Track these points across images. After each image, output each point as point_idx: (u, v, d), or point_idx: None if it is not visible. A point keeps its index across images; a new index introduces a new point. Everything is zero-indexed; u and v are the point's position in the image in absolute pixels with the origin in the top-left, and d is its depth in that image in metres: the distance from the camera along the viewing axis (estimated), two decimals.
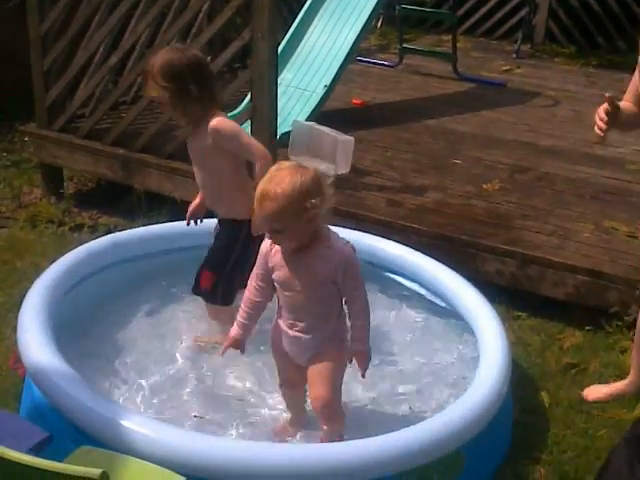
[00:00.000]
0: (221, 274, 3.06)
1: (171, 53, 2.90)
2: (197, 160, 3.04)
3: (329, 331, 2.51)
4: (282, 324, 2.53)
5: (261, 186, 2.33)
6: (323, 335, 2.50)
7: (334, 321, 2.52)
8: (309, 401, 2.64)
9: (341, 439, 2.53)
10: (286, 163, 2.42)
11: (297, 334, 2.51)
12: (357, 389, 2.86)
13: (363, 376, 2.49)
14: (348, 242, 2.46)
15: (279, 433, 2.69)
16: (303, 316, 2.48)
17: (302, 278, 2.44)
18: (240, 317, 2.57)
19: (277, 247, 2.46)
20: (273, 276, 2.50)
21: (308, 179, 2.31)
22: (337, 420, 2.58)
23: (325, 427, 2.56)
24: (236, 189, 3.00)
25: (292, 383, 2.67)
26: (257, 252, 2.56)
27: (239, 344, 2.57)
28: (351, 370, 2.56)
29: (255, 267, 2.56)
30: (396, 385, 2.97)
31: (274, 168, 2.38)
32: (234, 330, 2.57)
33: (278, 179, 2.30)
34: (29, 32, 4.56)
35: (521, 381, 3.16)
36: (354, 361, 2.50)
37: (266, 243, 2.51)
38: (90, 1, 4.54)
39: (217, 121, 2.89)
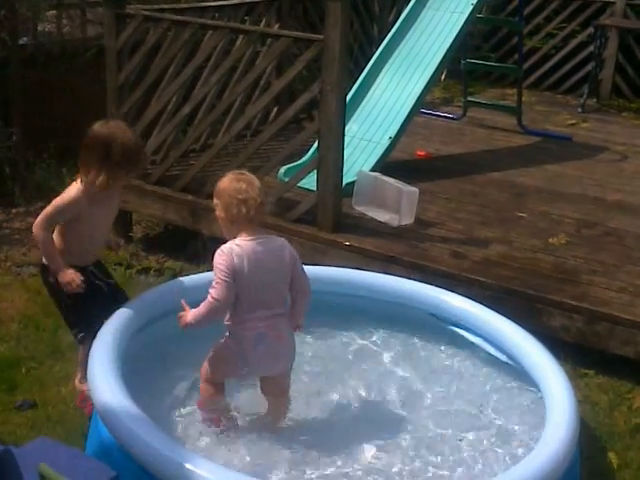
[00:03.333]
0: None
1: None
2: None
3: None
4: None
5: None
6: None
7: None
8: None
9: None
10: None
11: None
12: (408, 441, 2.85)
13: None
14: (230, 245, 2.72)
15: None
16: None
17: None
18: None
19: None
20: None
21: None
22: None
23: None
24: None
25: None
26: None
27: None
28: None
29: None
30: (455, 442, 2.92)
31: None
32: None
33: None
34: (107, 81, 4.75)
35: (589, 441, 3.08)
36: None
37: None
38: (165, 53, 4.72)
39: None
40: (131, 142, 2.96)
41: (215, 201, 2.79)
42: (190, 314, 2.76)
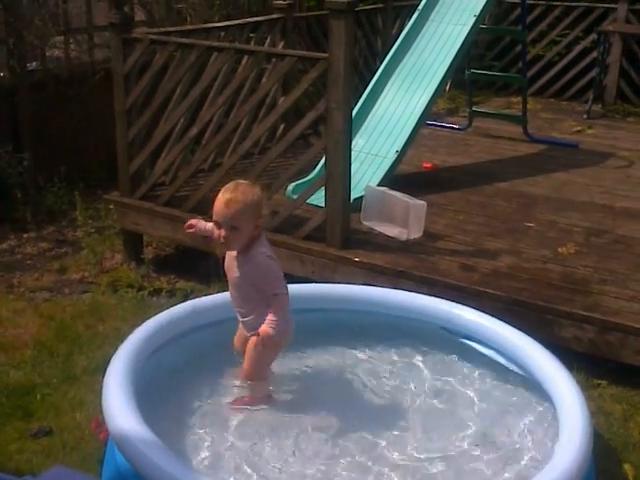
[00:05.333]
0: None
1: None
2: None
3: (260, 319, 2.99)
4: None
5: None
6: (257, 321, 3.01)
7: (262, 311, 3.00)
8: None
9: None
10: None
11: (242, 319, 3.15)
12: (423, 451, 2.86)
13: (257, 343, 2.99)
14: (265, 250, 3.00)
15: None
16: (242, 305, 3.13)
17: (235, 277, 3.07)
18: None
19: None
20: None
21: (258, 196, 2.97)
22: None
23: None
24: None
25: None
26: None
27: None
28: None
29: None
30: (468, 453, 2.92)
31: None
32: None
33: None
34: (115, 105, 4.80)
35: (603, 453, 3.08)
36: None
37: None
38: (172, 76, 4.76)
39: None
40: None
41: (242, 209, 2.92)
42: (264, 327, 2.92)
